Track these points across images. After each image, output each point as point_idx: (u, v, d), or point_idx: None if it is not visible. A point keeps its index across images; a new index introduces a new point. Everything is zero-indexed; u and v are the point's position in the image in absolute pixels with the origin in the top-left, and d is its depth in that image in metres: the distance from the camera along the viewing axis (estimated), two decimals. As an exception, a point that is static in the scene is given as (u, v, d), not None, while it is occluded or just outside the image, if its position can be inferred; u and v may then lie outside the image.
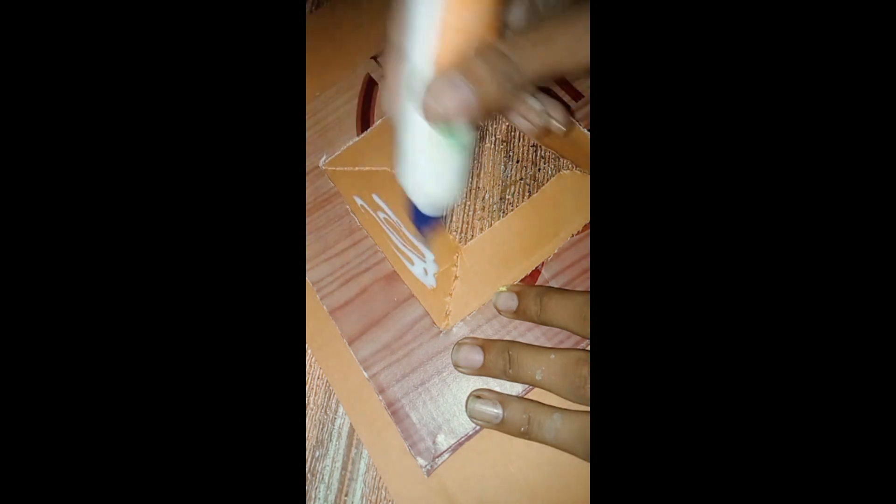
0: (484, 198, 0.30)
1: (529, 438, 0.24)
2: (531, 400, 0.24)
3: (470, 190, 0.30)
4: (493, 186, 0.30)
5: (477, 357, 0.25)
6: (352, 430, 0.26)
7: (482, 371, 0.25)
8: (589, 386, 0.22)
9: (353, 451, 0.26)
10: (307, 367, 0.28)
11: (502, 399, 0.24)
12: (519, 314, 0.26)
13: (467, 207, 0.30)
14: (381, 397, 0.26)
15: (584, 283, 0.27)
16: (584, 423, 0.22)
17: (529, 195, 0.30)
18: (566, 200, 0.29)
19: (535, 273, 0.28)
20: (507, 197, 0.30)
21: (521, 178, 0.30)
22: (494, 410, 0.24)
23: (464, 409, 0.25)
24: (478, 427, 0.25)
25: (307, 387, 0.27)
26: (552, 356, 0.24)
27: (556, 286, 0.27)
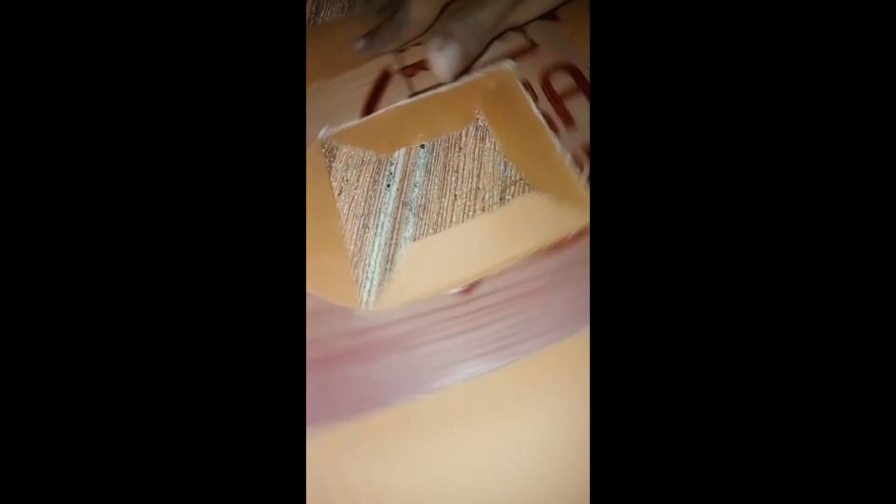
0: (484, 198, 0.30)
1: None
2: None
3: (470, 190, 0.30)
4: (493, 186, 0.30)
5: None
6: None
7: None
8: None
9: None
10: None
11: None
12: None
13: (467, 207, 0.30)
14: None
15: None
16: None
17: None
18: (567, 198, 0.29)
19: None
20: (506, 197, 0.30)
21: (521, 178, 0.30)
22: None
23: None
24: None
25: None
26: None
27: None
